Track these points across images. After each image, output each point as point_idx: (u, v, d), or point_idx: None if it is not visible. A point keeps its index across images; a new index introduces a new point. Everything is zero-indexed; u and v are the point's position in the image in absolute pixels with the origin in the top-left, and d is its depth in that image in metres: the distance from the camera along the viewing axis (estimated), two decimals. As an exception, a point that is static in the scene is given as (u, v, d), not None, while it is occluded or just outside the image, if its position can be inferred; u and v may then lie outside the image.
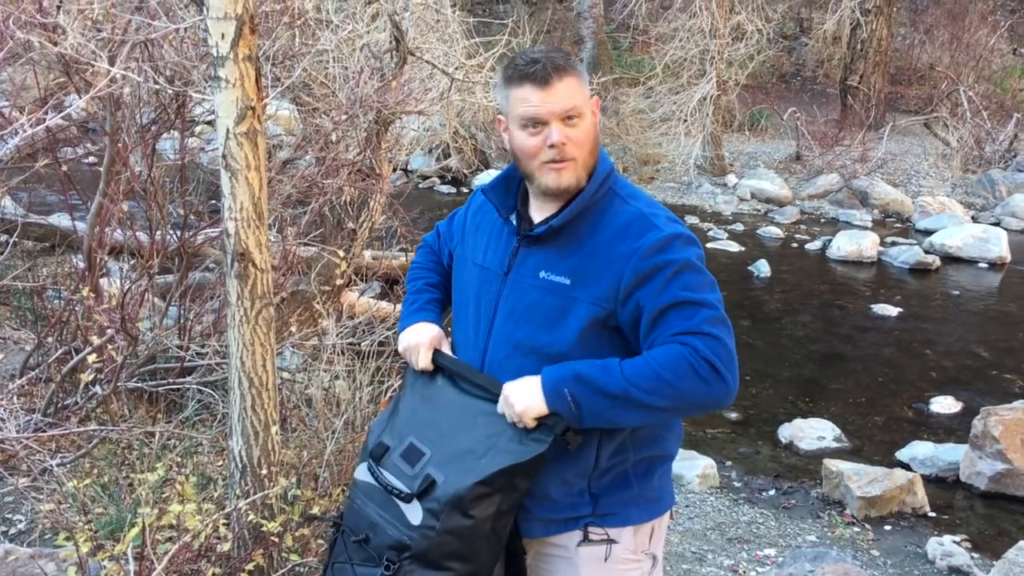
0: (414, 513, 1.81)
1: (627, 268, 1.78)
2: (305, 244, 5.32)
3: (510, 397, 1.82)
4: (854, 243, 10.34)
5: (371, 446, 1.97)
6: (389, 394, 3.86)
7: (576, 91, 1.83)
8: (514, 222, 1.95)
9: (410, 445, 1.91)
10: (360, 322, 4.78)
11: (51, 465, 3.59)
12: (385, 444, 1.95)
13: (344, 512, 1.99)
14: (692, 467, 5.12)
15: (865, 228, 11.42)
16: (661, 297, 1.76)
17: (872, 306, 8.65)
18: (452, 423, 1.90)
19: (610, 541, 1.91)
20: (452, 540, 1.80)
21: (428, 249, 2.30)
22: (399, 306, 4.76)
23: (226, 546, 2.80)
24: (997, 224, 11.40)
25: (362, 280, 6.52)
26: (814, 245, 10.75)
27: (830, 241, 10.61)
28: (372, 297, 6.72)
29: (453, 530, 1.79)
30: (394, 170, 8.26)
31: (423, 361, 2.01)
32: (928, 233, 11.05)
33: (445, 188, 13.00)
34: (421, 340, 2.04)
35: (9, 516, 3.55)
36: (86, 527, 2.96)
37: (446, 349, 2.06)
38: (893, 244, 10.66)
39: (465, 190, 12.78)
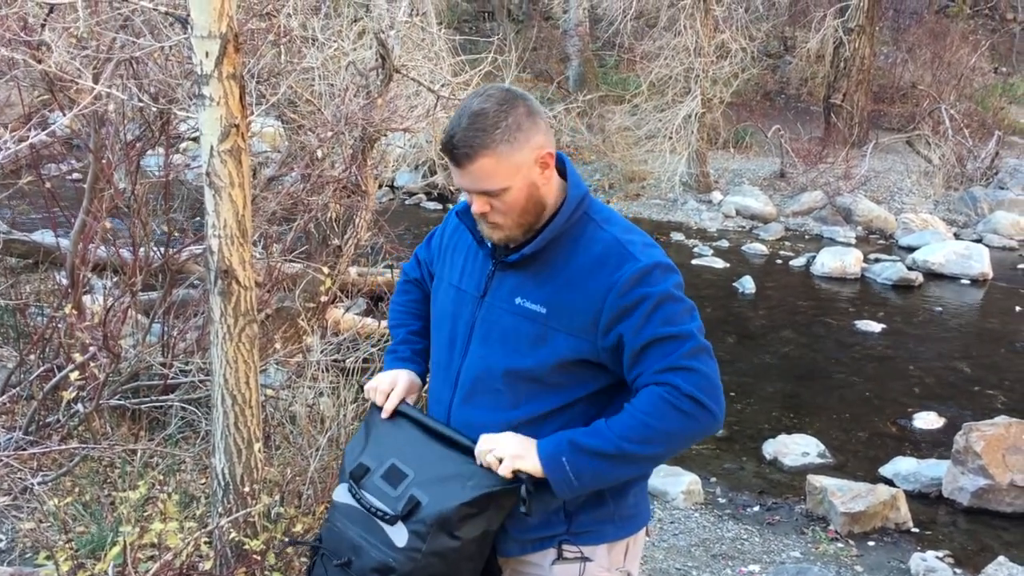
0: (399, 535, 1.80)
1: (606, 303, 1.79)
2: (290, 261, 5.32)
3: (501, 441, 1.83)
4: (838, 259, 10.41)
5: (350, 467, 1.95)
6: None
7: (491, 171, 1.78)
8: (489, 245, 1.94)
9: (392, 466, 1.90)
10: (345, 339, 4.78)
11: (32, 483, 3.57)
12: (365, 465, 1.93)
13: (323, 534, 1.95)
14: (677, 483, 5.13)
15: (849, 245, 11.50)
16: (642, 333, 1.77)
17: (856, 322, 8.71)
18: (434, 450, 1.90)
19: (584, 559, 1.91)
20: (437, 562, 1.79)
21: (409, 286, 2.26)
22: (384, 323, 4.77)
23: (208, 564, 2.79)
24: (979, 241, 11.51)
25: (347, 297, 6.51)
26: (798, 261, 10.82)
27: (814, 257, 10.68)
28: (357, 314, 6.71)
29: (439, 551, 1.78)
30: (380, 187, 8.27)
31: (386, 406, 2.02)
32: (911, 250, 11.14)
33: (431, 204, 13.02)
34: (399, 386, 2.05)
35: (-11, 535, 3.52)
36: (67, 546, 2.95)
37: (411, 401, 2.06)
38: (876, 260, 10.74)
39: (451, 206, 12.78)
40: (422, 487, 1.83)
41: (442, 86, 6.22)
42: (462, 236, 2.04)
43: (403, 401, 2.03)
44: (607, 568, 1.94)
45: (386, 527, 1.82)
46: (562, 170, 1.92)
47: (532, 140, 1.80)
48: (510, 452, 1.81)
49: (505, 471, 1.80)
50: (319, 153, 5.67)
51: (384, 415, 2.01)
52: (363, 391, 2.18)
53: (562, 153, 1.93)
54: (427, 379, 2.13)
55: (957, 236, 11.82)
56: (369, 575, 1.81)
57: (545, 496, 1.84)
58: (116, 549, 2.50)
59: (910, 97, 16.94)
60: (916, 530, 4.91)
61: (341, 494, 1.94)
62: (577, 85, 16.57)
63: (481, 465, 1.83)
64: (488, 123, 1.76)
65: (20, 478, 3.68)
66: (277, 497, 3.09)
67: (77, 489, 3.63)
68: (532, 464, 1.80)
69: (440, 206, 12.92)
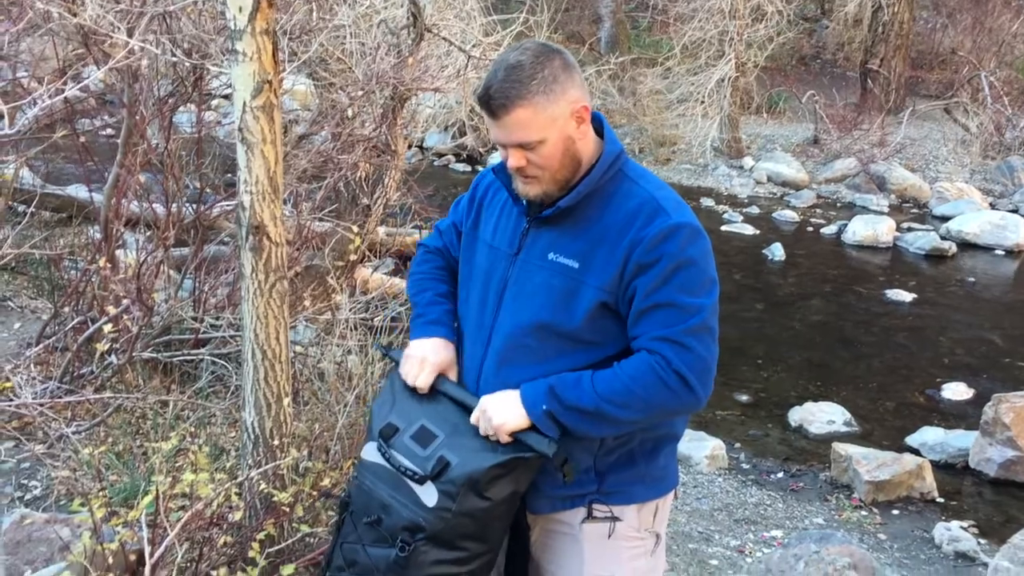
0: (428, 495, 1.81)
1: (632, 257, 1.79)
2: (320, 219, 5.34)
3: (488, 411, 1.84)
4: (870, 228, 10.29)
5: (379, 426, 1.95)
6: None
7: (528, 122, 1.78)
8: (524, 202, 1.94)
9: (422, 427, 1.90)
10: (373, 298, 4.81)
11: (67, 432, 3.64)
12: (394, 425, 1.93)
13: (352, 492, 1.97)
14: (701, 448, 5.14)
15: (881, 213, 11.34)
16: (654, 293, 1.77)
17: (886, 291, 8.62)
18: (465, 415, 1.90)
19: (614, 518, 1.92)
20: (468, 521, 1.80)
21: (430, 255, 2.22)
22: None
23: (238, 515, 2.84)
24: (1015, 211, 11.29)
25: (376, 256, 6.54)
26: (830, 229, 10.70)
27: (846, 226, 10.56)
28: (385, 273, 6.74)
29: (469, 511, 1.80)
30: (409, 147, 8.27)
31: (422, 380, 1.96)
32: (945, 219, 10.97)
33: (460, 166, 12.98)
34: (428, 359, 1.99)
35: (25, 482, 3.60)
36: (100, 494, 3.01)
37: (452, 377, 2.01)
38: (909, 230, 10.60)
39: (480, 168, 12.72)
40: (452, 449, 1.84)
41: (473, 46, 6.19)
42: (497, 194, 2.04)
43: (439, 376, 1.99)
44: (636, 528, 1.95)
45: (415, 487, 1.83)
46: (598, 128, 1.91)
47: (568, 93, 1.80)
48: (497, 422, 1.82)
49: (504, 440, 1.82)
50: (349, 112, 5.67)
51: (420, 384, 1.97)
52: (386, 357, 2.16)
53: (599, 112, 1.93)
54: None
55: (993, 206, 11.61)
56: (400, 533, 1.82)
57: (574, 453, 1.86)
58: (148, 498, 2.55)
59: (949, 63, 16.57)
60: (941, 500, 4.89)
61: (370, 452, 1.94)
62: (609, 47, 16.38)
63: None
64: (524, 75, 1.76)
65: (55, 427, 3.75)
66: (305, 451, 3.13)
67: (110, 439, 3.70)
68: (519, 420, 1.81)
69: (469, 168, 12.89)
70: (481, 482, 1.80)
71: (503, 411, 1.83)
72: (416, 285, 2.17)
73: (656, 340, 1.77)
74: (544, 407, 1.80)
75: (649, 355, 1.77)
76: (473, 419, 1.86)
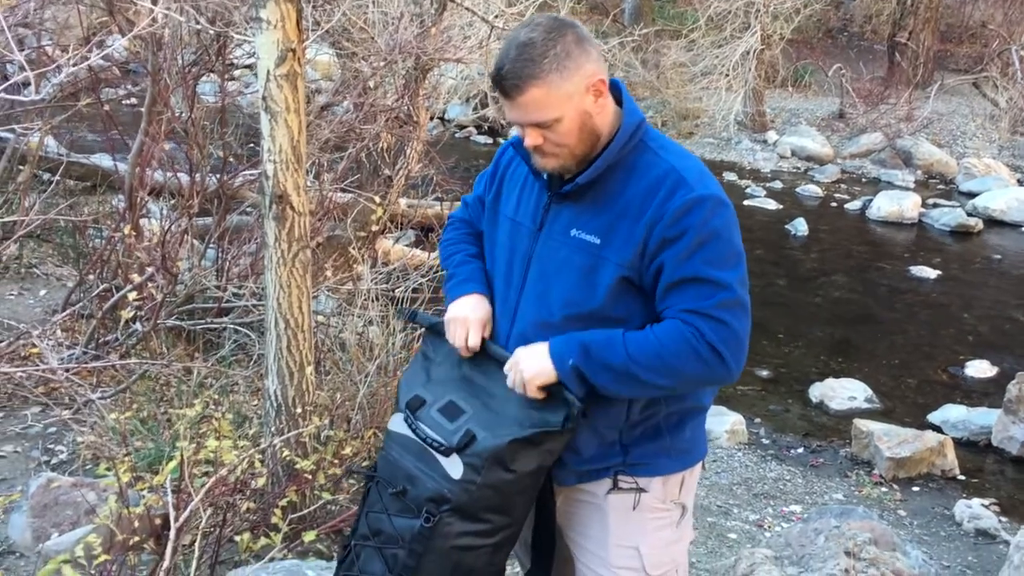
0: (454, 467, 1.81)
1: (655, 232, 1.76)
2: (341, 190, 5.35)
3: (520, 363, 1.83)
4: (895, 204, 10.18)
5: (406, 398, 1.96)
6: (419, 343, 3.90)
7: (542, 101, 1.75)
8: (544, 176, 1.91)
9: (449, 402, 1.91)
10: (394, 269, 4.82)
11: (92, 398, 3.69)
12: (422, 397, 1.94)
13: (379, 463, 1.98)
14: (721, 422, 5.14)
15: (907, 189, 11.21)
16: (682, 267, 1.75)
17: (910, 268, 8.54)
18: (500, 395, 1.88)
19: (639, 490, 1.92)
20: (492, 494, 1.81)
21: (459, 223, 2.20)
22: (434, 254, 4.78)
23: (261, 481, 2.87)
24: (1044, 188, 11.16)
25: (397, 228, 6.54)
26: (854, 205, 10.59)
27: (870, 201, 10.45)
28: (406, 245, 6.75)
29: (494, 484, 1.80)
30: (431, 118, 8.23)
31: (472, 340, 1.93)
32: (972, 195, 10.83)
33: (481, 138, 12.93)
34: (471, 318, 1.96)
35: (51, 446, 3.65)
36: (126, 458, 3.05)
37: (488, 333, 1.97)
38: (935, 206, 10.47)
39: (502, 140, 12.65)
40: (479, 424, 1.84)
41: (496, 17, 6.13)
42: (518, 167, 2.01)
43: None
44: (662, 500, 1.94)
45: (441, 459, 1.83)
46: (618, 98, 1.88)
47: (583, 68, 1.76)
48: (528, 375, 1.81)
49: (532, 394, 1.81)
50: (371, 82, 5.65)
51: (471, 344, 1.94)
52: (413, 322, 2.15)
53: (618, 80, 1.89)
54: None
55: (1021, 183, 11.46)
56: (425, 504, 1.82)
57: (599, 426, 1.86)
58: (173, 463, 2.58)
59: (979, 37, 16.29)
60: (962, 478, 4.87)
61: (397, 424, 1.95)
62: (633, 19, 16.19)
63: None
64: (536, 53, 1.73)
65: (81, 392, 3.80)
66: (327, 420, 3.16)
67: (135, 406, 3.74)
68: (548, 374, 1.80)
69: (490, 140, 12.83)
70: (506, 455, 1.80)
71: (534, 363, 1.81)
72: (445, 251, 2.17)
73: (689, 313, 1.75)
74: (571, 361, 1.78)
75: (683, 325, 1.75)
76: (506, 369, 1.86)
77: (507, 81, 1.75)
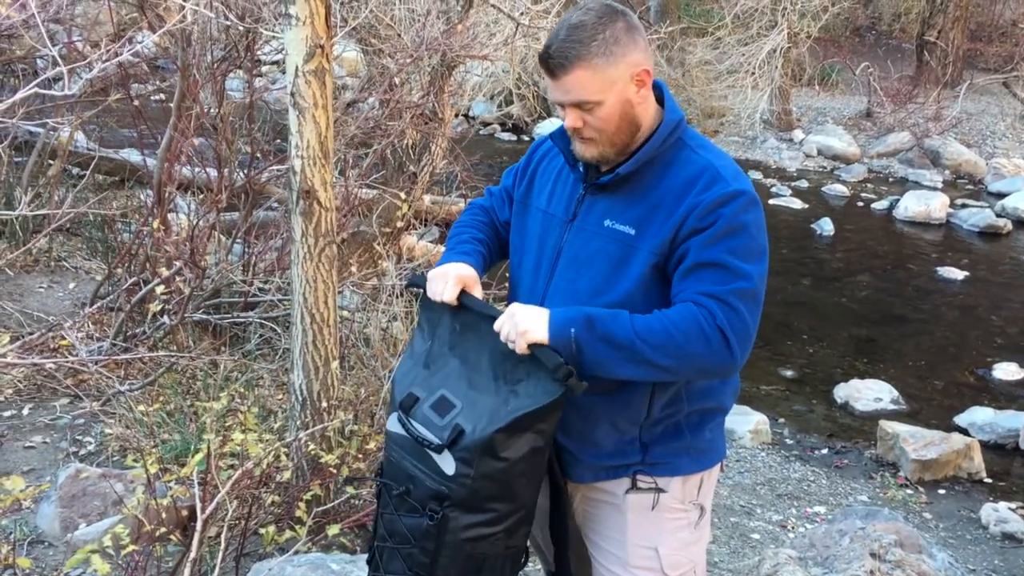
0: (447, 463, 1.82)
1: (687, 221, 1.76)
2: (367, 186, 5.37)
3: (516, 315, 1.80)
4: (922, 204, 10.08)
5: (400, 397, 1.95)
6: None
7: (586, 83, 1.77)
8: (581, 169, 1.92)
9: (441, 397, 1.90)
10: (419, 265, 4.83)
11: (121, 390, 3.73)
12: (415, 395, 1.93)
13: (383, 465, 1.99)
14: (744, 422, 5.11)
15: (935, 189, 11.10)
16: (706, 251, 1.75)
17: (938, 269, 8.46)
18: (482, 378, 1.87)
19: (658, 490, 1.91)
20: (490, 484, 1.80)
21: (477, 210, 2.21)
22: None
23: (286, 475, 2.89)
24: (1074, 189, 11.00)
25: (421, 224, 6.56)
26: (881, 205, 10.50)
27: (897, 201, 10.35)
28: (431, 241, 6.77)
29: (489, 475, 1.80)
30: (456, 115, 8.25)
31: (448, 294, 1.91)
32: (1001, 196, 10.71)
33: (506, 136, 12.93)
34: (451, 271, 1.94)
35: (80, 437, 3.70)
36: (154, 450, 3.08)
37: (477, 294, 1.95)
38: (963, 206, 10.35)
39: (526, 138, 12.69)
40: (467, 418, 1.83)
41: (522, 14, 6.13)
42: (552, 161, 2.02)
43: (462, 292, 1.94)
44: (681, 500, 1.94)
45: (435, 456, 1.83)
46: (659, 96, 1.89)
47: (629, 56, 1.78)
48: (520, 328, 1.77)
49: (520, 349, 1.78)
50: (397, 79, 5.67)
51: (446, 298, 1.91)
52: (414, 287, 2.09)
53: (660, 80, 1.90)
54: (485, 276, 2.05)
55: (1051, 184, 11.32)
56: (427, 502, 1.83)
57: (620, 424, 1.85)
58: (200, 455, 2.60)
59: (1009, 36, 16.09)
60: (989, 481, 4.82)
61: (393, 424, 1.95)
62: (658, 16, 16.12)
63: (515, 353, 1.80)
64: (585, 35, 1.75)
65: (109, 385, 3.84)
66: (351, 415, 3.17)
67: (162, 398, 3.78)
68: (541, 334, 1.76)
69: (515, 137, 12.84)
70: (494, 444, 1.79)
71: (530, 320, 1.78)
72: (454, 232, 2.17)
73: (703, 295, 1.74)
74: (573, 331, 1.75)
75: (695, 306, 1.74)
76: (498, 325, 1.82)
77: (553, 60, 1.77)
